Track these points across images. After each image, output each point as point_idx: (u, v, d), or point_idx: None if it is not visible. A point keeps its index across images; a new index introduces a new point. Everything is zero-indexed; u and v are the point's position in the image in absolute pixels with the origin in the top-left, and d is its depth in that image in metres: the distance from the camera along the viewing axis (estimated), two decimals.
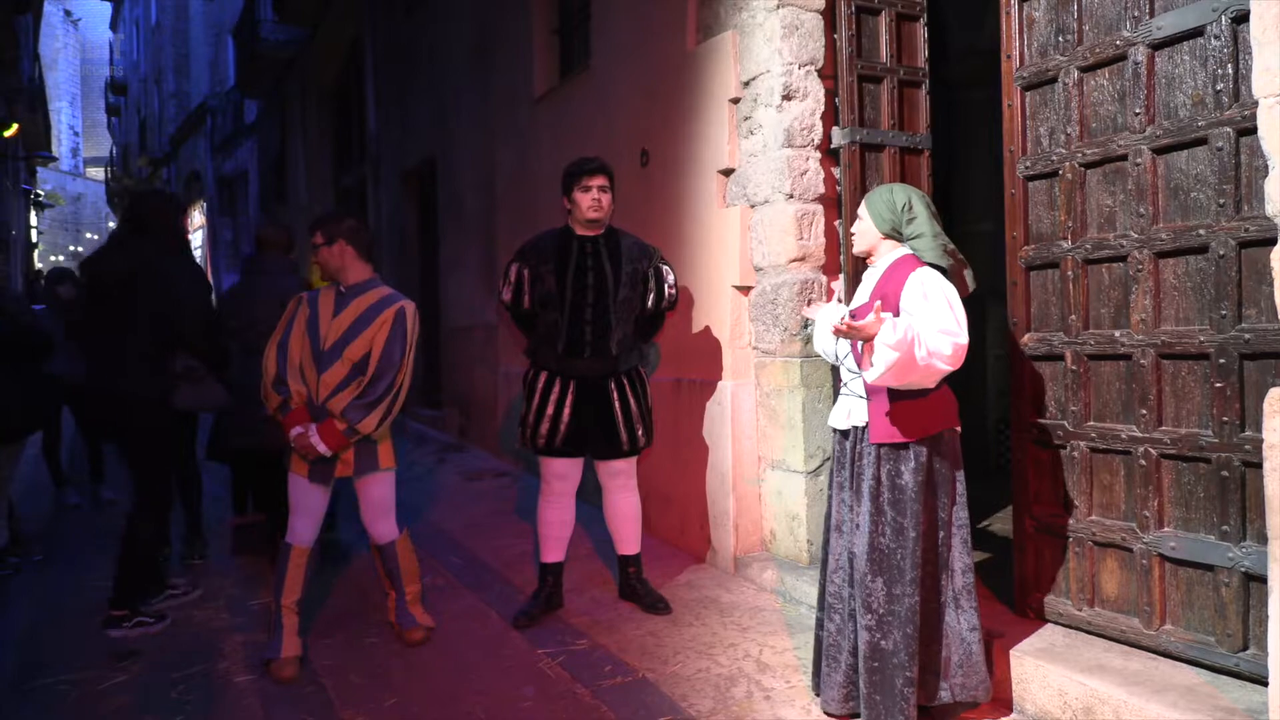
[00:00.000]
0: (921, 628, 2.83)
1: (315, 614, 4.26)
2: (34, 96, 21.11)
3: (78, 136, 47.42)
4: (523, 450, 4.36)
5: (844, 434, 3.02)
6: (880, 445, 2.85)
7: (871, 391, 2.86)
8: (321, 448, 3.60)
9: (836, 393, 4.48)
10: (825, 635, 3.05)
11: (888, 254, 2.96)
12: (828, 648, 3.02)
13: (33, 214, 28.47)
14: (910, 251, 2.92)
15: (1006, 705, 3.11)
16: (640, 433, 4.13)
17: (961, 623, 2.91)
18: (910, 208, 2.91)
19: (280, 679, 3.52)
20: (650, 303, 4.14)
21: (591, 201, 3.97)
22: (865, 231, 3.00)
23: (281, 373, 3.67)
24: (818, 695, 3.15)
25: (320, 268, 3.82)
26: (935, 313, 2.71)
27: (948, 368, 2.69)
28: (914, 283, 2.79)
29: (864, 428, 2.91)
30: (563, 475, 4.14)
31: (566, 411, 4.03)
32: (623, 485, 4.22)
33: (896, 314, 2.79)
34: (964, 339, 2.69)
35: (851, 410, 2.97)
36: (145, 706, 3.35)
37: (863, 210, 3.01)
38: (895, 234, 2.94)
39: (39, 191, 31.53)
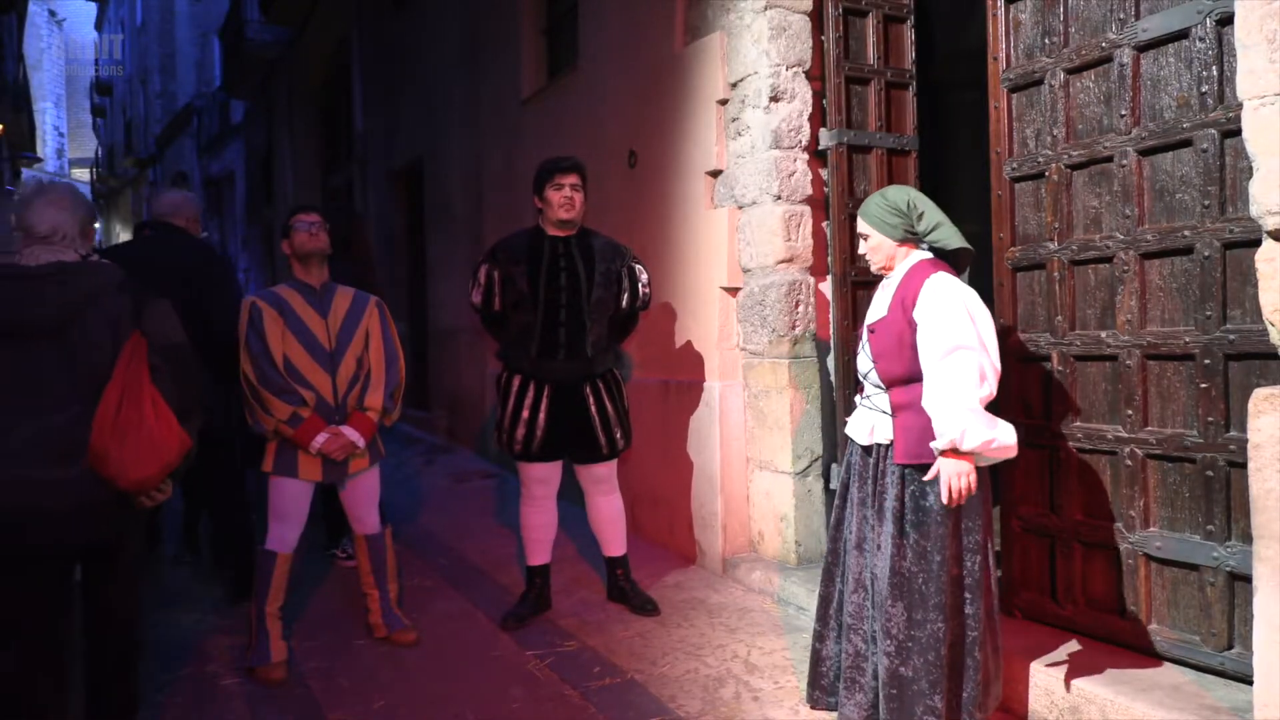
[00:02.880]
0: (949, 656, 2.69)
1: (302, 616, 4.24)
2: (18, 97, 20.98)
3: (63, 137, 47.13)
4: (500, 455, 4.36)
5: (865, 449, 2.86)
6: (905, 466, 2.70)
7: (897, 408, 2.71)
8: (362, 442, 3.69)
9: (825, 394, 4.51)
10: (842, 653, 2.89)
11: (904, 260, 2.80)
12: (849, 668, 2.86)
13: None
14: (924, 256, 2.78)
15: (1002, 708, 3.11)
16: (619, 435, 4.10)
17: (997, 642, 2.83)
18: (914, 204, 2.76)
19: (269, 682, 3.51)
20: (624, 303, 4.11)
21: (563, 200, 3.94)
22: (878, 246, 2.82)
23: (281, 382, 3.56)
24: (813, 709, 3.05)
25: (302, 260, 3.73)
26: (946, 323, 2.58)
27: (988, 374, 2.55)
28: (928, 291, 2.65)
29: (888, 445, 2.76)
30: (543, 479, 4.12)
31: (543, 416, 4.00)
32: (606, 490, 4.20)
33: (912, 321, 2.68)
34: (972, 345, 2.55)
35: (875, 426, 2.80)
36: None
37: (865, 227, 2.83)
38: (910, 235, 2.77)
39: None
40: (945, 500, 2.57)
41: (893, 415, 2.74)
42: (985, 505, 2.76)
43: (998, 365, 2.61)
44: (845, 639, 2.89)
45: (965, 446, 2.50)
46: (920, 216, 2.76)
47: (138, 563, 2.92)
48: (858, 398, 2.97)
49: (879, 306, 2.85)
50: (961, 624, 2.73)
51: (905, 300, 2.70)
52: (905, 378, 2.69)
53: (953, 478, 2.53)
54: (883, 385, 2.78)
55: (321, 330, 3.69)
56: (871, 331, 2.82)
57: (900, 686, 2.70)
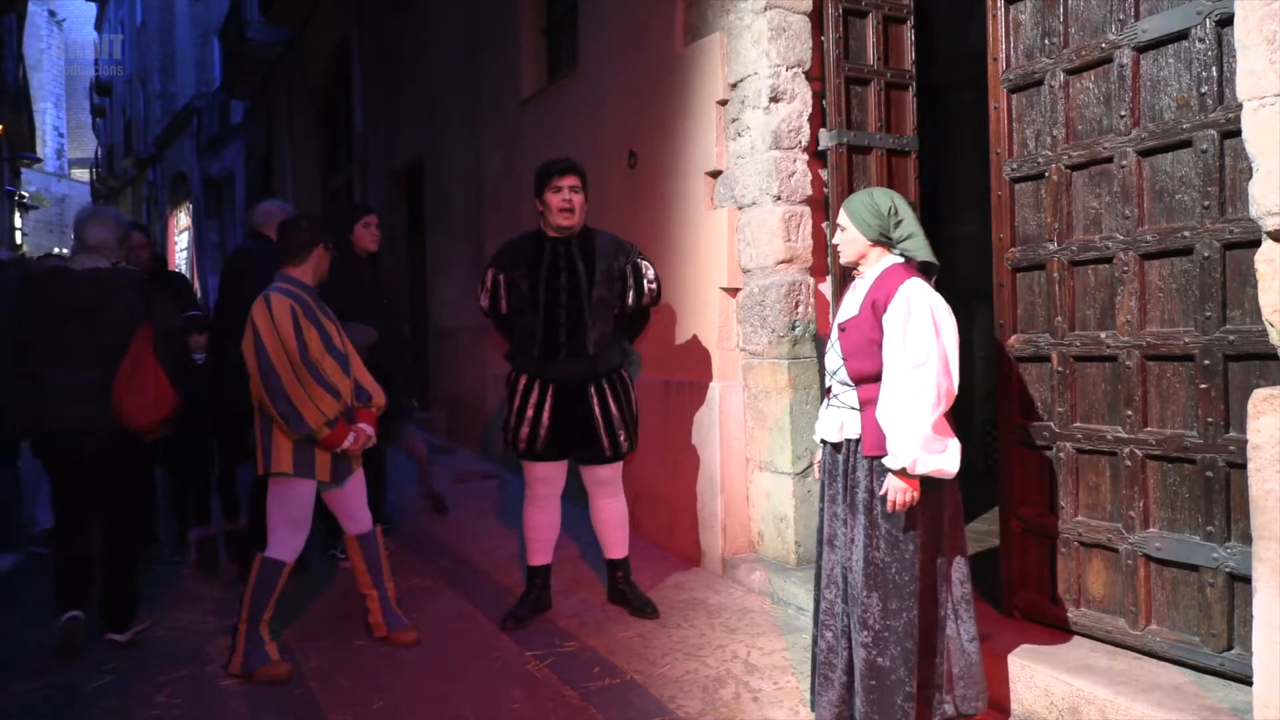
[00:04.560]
0: (921, 643, 2.76)
1: (302, 616, 4.24)
2: (18, 97, 20.98)
3: (62, 138, 47.13)
4: (506, 454, 4.36)
5: (835, 446, 2.92)
6: (874, 458, 2.76)
7: (864, 403, 2.78)
8: (373, 434, 3.77)
9: (824, 395, 4.50)
10: (818, 651, 2.95)
11: (877, 262, 2.86)
12: (820, 665, 2.92)
13: (17, 215, 28.30)
14: (900, 260, 2.83)
15: (993, 706, 3.12)
16: (623, 438, 4.09)
17: (962, 634, 2.85)
18: (895, 210, 2.82)
19: (275, 679, 3.50)
20: (630, 300, 4.09)
21: (562, 202, 3.94)
22: (852, 240, 2.88)
23: (328, 381, 3.55)
24: (814, 711, 3.05)
25: (320, 270, 3.77)
26: (912, 337, 2.65)
27: (944, 396, 2.65)
28: (900, 298, 2.70)
29: (856, 440, 2.82)
30: (545, 479, 4.12)
31: (546, 415, 4.00)
32: (609, 493, 4.19)
33: (883, 324, 2.73)
34: (934, 364, 2.63)
35: (844, 423, 2.87)
36: (131, 710, 3.33)
37: (844, 219, 2.89)
38: (884, 239, 2.83)
39: (23, 193, 31.31)
40: (889, 510, 2.71)
41: (860, 410, 2.80)
42: (946, 494, 2.83)
43: (955, 382, 2.71)
44: (820, 635, 2.93)
45: (914, 472, 2.65)
46: (898, 224, 2.83)
47: (138, 491, 4.21)
48: (825, 399, 3.02)
49: (850, 306, 2.90)
50: (929, 610, 2.80)
51: (877, 302, 2.76)
52: (873, 375, 2.76)
53: (899, 493, 2.68)
54: (851, 382, 2.84)
55: (334, 331, 3.69)
56: (842, 330, 2.88)
57: (879, 677, 2.73)
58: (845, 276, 4.35)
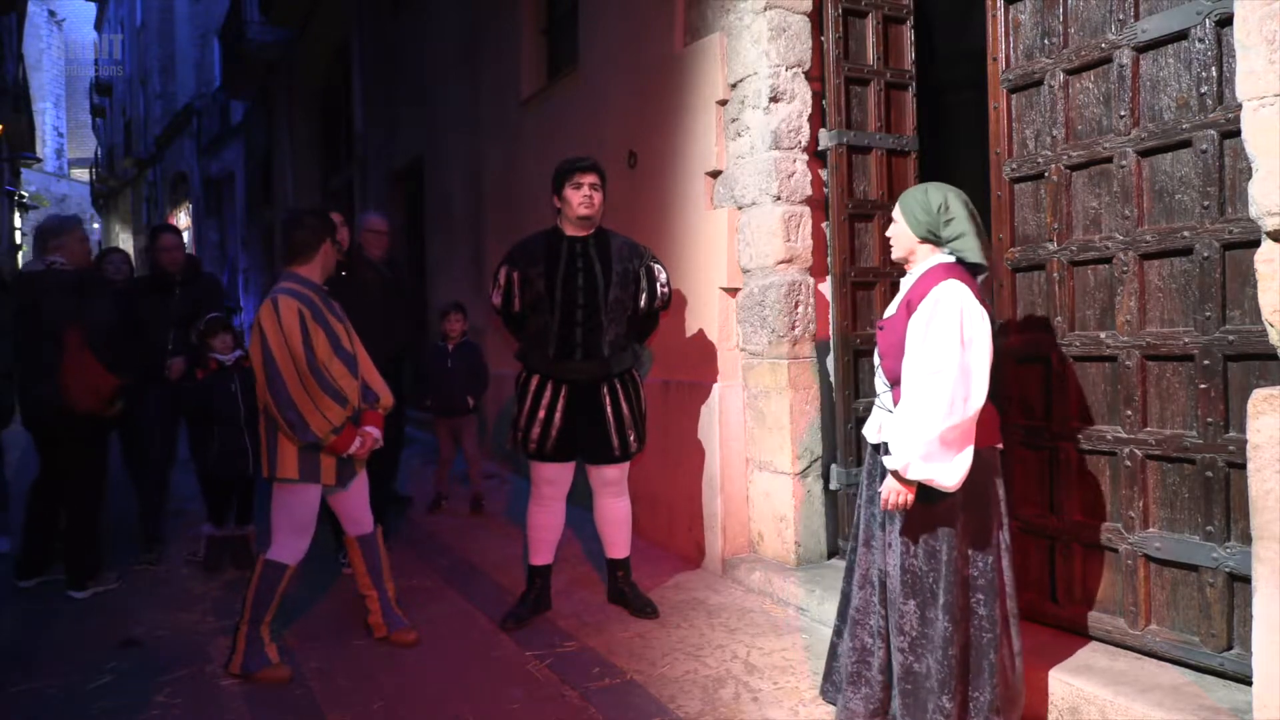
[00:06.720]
0: (960, 659, 2.67)
1: (302, 616, 4.24)
2: (18, 97, 20.99)
3: (62, 138, 47.15)
4: (514, 453, 4.35)
5: (875, 447, 2.87)
6: None
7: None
8: (379, 436, 3.74)
9: (825, 395, 4.51)
10: (849, 649, 2.90)
11: (923, 260, 2.78)
12: (854, 663, 2.88)
13: (16, 215, 28.29)
14: (944, 260, 2.74)
15: None
16: (632, 438, 4.09)
17: (1015, 647, 2.77)
18: (947, 208, 2.73)
19: (276, 681, 3.50)
20: (643, 302, 4.10)
21: (583, 199, 3.95)
22: (900, 235, 2.82)
23: (334, 387, 3.51)
24: (823, 699, 3.07)
25: (328, 266, 3.74)
26: (933, 341, 2.57)
27: (960, 406, 2.54)
28: (930, 300, 2.63)
29: None
30: (552, 480, 4.12)
31: (558, 416, 4.00)
32: (615, 493, 4.20)
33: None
34: (950, 372, 2.53)
35: (883, 424, 2.81)
36: (132, 709, 3.33)
37: (897, 213, 2.83)
38: (933, 237, 2.75)
39: (23, 193, 31.31)
40: (881, 509, 2.68)
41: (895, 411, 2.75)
42: (994, 504, 2.73)
43: (977, 391, 2.58)
44: (851, 634, 2.91)
45: (907, 477, 2.60)
46: (948, 222, 2.73)
47: (92, 458, 4.71)
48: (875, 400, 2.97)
49: (892, 305, 2.86)
50: (977, 625, 2.70)
51: (911, 302, 2.71)
52: None
53: (892, 494, 2.64)
54: (887, 383, 2.80)
55: (342, 332, 3.66)
56: (880, 329, 2.84)
57: (914, 682, 2.70)
58: (844, 277, 4.36)
